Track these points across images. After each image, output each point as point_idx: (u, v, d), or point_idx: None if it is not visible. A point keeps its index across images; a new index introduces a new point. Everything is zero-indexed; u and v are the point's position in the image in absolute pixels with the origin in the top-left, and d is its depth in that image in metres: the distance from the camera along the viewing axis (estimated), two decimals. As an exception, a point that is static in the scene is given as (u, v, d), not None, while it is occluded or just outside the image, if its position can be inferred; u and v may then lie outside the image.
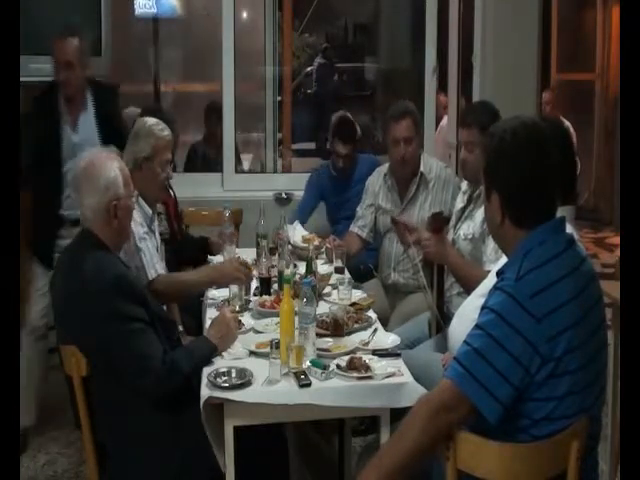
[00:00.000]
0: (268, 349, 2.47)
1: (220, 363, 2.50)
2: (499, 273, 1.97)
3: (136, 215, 2.89)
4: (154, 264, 3.06)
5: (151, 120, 3.23)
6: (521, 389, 1.83)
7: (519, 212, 1.93)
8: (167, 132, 3.22)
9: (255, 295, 3.15)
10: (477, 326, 1.86)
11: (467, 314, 2.40)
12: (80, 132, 3.72)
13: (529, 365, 1.81)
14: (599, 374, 1.95)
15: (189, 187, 4.70)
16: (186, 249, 3.84)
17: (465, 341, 1.87)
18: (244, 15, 7.77)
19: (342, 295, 3.11)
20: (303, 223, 4.16)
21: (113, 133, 3.66)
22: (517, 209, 1.93)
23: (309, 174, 4.82)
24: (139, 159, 3.08)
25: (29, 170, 3.40)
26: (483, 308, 1.89)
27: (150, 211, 3.21)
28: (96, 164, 2.51)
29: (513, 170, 1.92)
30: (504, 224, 1.95)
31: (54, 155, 3.64)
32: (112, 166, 2.50)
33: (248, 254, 3.60)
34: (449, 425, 1.84)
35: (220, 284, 3.15)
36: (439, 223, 3.06)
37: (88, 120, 3.75)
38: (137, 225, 3.01)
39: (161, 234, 3.45)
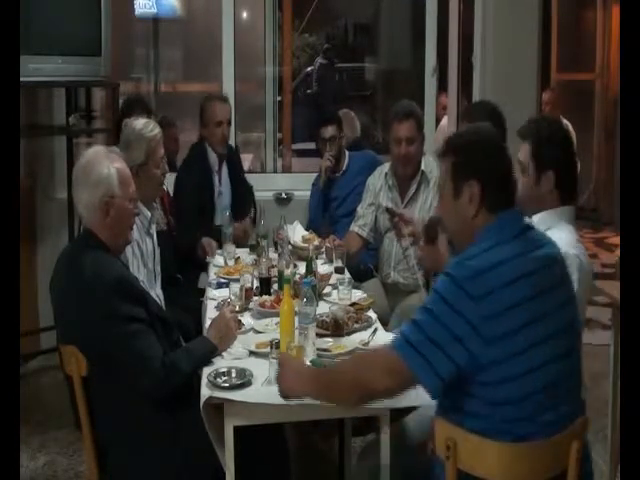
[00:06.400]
0: (268, 349, 2.47)
1: (220, 363, 2.49)
2: None
3: (136, 219, 2.87)
4: (133, 270, 3.03)
5: (138, 123, 3.22)
6: (466, 370, 1.85)
7: (496, 197, 2.00)
8: (156, 130, 3.22)
9: (255, 295, 3.15)
10: (422, 305, 1.93)
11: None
12: None
13: (470, 344, 1.83)
14: (564, 353, 1.94)
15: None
16: (182, 240, 3.89)
17: (411, 318, 1.94)
18: (244, 15, 7.78)
19: (342, 295, 3.11)
20: (315, 225, 4.25)
21: None
22: (495, 195, 2.00)
23: (309, 174, 4.84)
24: (134, 167, 3.04)
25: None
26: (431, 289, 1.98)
27: (149, 213, 3.21)
28: (91, 161, 2.51)
29: (491, 157, 2.03)
30: (478, 215, 2.00)
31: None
32: (107, 164, 2.49)
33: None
34: (385, 390, 1.95)
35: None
36: (433, 233, 3.06)
37: None
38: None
39: (157, 224, 3.45)
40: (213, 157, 4.32)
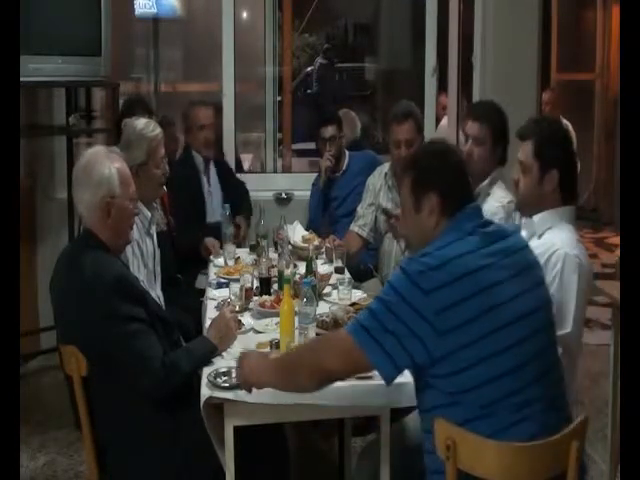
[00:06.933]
0: (268, 349, 2.47)
1: (220, 363, 2.49)
2: None
3: (136, 219, 2.87)
4: (133, 270, 3.03)
5: (139, 123, 3.23)
6: (419, 363, 1.90)
7: (454, 202, 2.05)
8: (157, 130, 3.23)
9: (255, 295, 3.15)
10: (377, 295, 1.99)
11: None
12: None
13: (424, 337, 1.87)
14: (525, 337, 1.94)
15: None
16: (182, 241, 3.91)
17: (366, 307, 2.01)
18: (244, 15, 7.78)
19: (342, 295, 3.11)
20: (315, 225, 4.25)
21: None
22: (453, 200, 2.05)
23: (309, 174, 4.84)
24: (134, 167, 3.04)
25: None
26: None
27: (149, 214, 3.21)
28: (91, 161, 2.51)
29: (444, 166, 2.09)
30: (439, 224, 2.05)
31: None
32: (108, 164, 2.49)
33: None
34: (340, 372, 2.02)
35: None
36: None
37: None
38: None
39: (157, 225, 3.45)
40: (199, 159, 4.38)
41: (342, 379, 2.10)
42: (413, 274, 1.91)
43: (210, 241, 3.90)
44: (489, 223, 2.09)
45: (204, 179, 4.41)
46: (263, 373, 2.14)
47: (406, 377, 2.39)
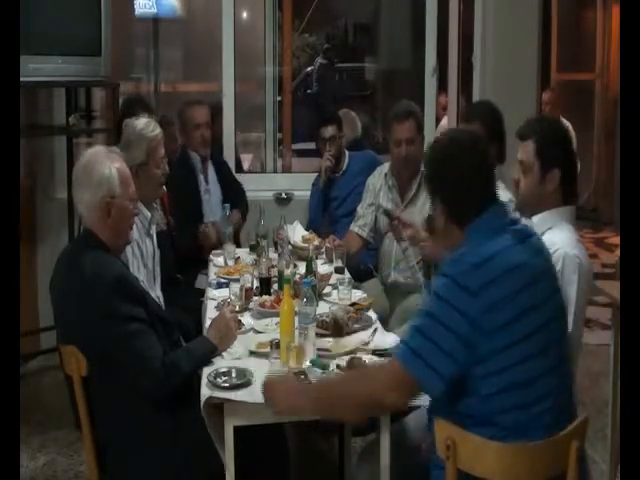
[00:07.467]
0: (268, 349, 2.47)
1: (220, 363, 2.49)
2: None
3: (136, 219, 2.87)
4: (133, 270, 3.03)
5: (139, 123, 3.23)
6: (465, 365, 1.87)
7: (460, 210, 2.04)
8: (157, 130, 3.22)
9: (255, 295, 3.15)
10: (421, 309, 1.96)
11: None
12: None
13: (469, 339, 1.86)
14: (548, 347, 1.95)
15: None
16: (181, 240, 3.93)
17: (411, 324, 1.96)
18: (244, 15, 7.78)
19: (342, 295, 3.11)
20: (315, 225, 4.26)
21: None
22: (458, 208, 2.04)
23: (309, 174, 4.84)
24: (134, 167, 3.03)
25: None
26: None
27: (149, 214, 3.21)
28: (91, 161, 2.51)
29: (452, 172, 2.05)
30: (447, 225, 2.06)
31: None
32: (109, 164, 2.49)
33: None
34: (394, 403, 1.96)
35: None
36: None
37: None
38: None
39: (157, 225, 3.45)
40: (196, 158, 4.40)
41: (394, 409, 2.07)
42: (456, 275, 1.89)
43: (202, 228, 4.03)
44: (516, 220, 2.11)
45: (201, 178, 4.41)
46: (299, 398, 2.11)
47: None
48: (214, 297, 3.19)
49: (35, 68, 3.75)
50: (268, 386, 2.18)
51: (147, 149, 3.17)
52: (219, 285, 3.35)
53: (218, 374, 2.38)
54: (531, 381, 1.90)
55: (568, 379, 2.03)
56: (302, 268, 3.23)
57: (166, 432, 2.40)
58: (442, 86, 5.59)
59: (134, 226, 2.81)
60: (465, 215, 2.03)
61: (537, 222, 2.48)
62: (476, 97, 4.89)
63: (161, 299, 3.23)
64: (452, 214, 2.05)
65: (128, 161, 2.69)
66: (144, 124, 3.21)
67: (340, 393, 2.07)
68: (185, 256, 3.89)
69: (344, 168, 4.56)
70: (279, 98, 6.64)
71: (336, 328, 2.73)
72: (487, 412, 1.90)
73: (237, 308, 2.96)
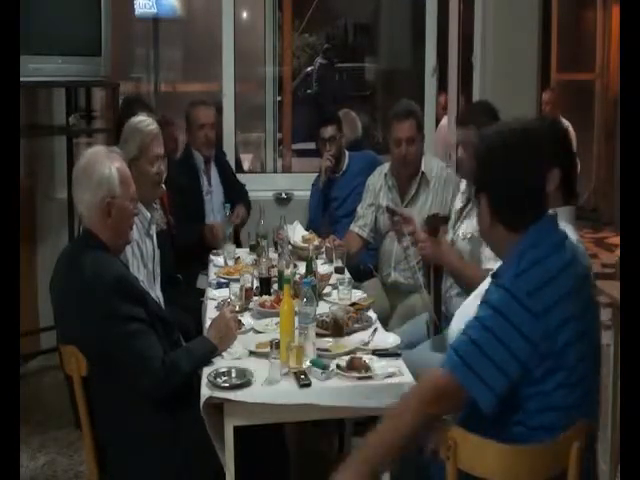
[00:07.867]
0: (268, 349, 2.47)
1: (220, 363, 2.49)
2: (494, 276, 1.99)
3: (136, 220, 2.87)
4: (133, 270, 3.03)
5: (137, 118, 3.22)
6: (517, 382, 1.85)
7: (510, 215, 1.98)
8: (152, 126, 3.20)
9: (255, 295, 3.15)
10: (476, 319, 1.90)
11: (467, 314, 2.39)
12: None
13: (527, 361, 1.84)
14: (592, 370, 1.97)
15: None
16: (182, 239, 3.92)
17: (463, 332, 1.90)
18: (244, 15, 7.78)
19: (342, 295, 3.11)
20: (315, 225, 4.26)
21: None
22: (508, 212, 1.98)
23: (309, 174, 4.84)
24: (126, 161, 3.02)
25: None
26: (482, 303, 1.92)
27: (149, 214, 3.20)
28: (92, 161, 2.50)
29: (503, 173, 1.98)
30: (494, 226, 2.01)
31: None
32: (108, 164, 2.49)
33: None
34: (441, 414, 1.91)
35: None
36: (435, 225, 3.08)
37: None
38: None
39: (157, 225, 3.45)
40: (199, 158, 4.40)
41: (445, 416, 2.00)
42: (520, 295, 1.83)
43: (208, 227, 4.03)
44: (566, 237, 2.03)
45: (204, 178, 4.42)
46: (365, 465, 1.93)
47: (406, 377, 2.41)
48: (214, 297, 3.19)
49: (35, 68, 3.75)
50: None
51: (140, 144, 3.14)
52: (219, 285, 3.35)
53: (218, 374, 2.38)
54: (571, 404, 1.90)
55: (594, 394, 2.01)
56: (302, 268, 3.23)
57: (166, 432, 2.40)
58: (442, 86, 5.59)
59: (134, 226, 2.81)
60: (520, 221, 1.97)
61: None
62: (476, 97, 4.89)
63: (161, 299, 3.23)
64: (505, 220, 1.98)
65: (124, 156, 2.68)
66: (140, 119, 3.21)
67: (389, 424, 1.95)
68: (185, 256, 3.88)
69: (344, 168, 4.57)
70: (279, 98, 6.64)
71: (336, 328, 2.73)
72: (525, 427, 1.90)
73: (237, 308, 2.96)
